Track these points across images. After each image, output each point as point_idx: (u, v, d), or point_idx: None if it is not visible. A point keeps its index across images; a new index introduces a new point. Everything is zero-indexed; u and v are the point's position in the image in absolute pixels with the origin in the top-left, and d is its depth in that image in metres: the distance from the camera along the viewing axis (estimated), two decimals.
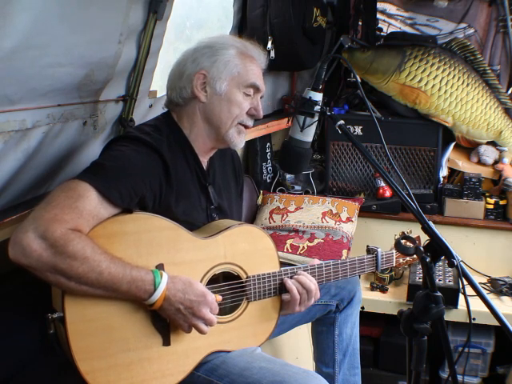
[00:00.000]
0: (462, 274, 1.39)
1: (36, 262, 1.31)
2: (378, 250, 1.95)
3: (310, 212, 2.80)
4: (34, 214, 1.35)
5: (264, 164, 3.17)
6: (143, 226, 1.49)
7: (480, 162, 3.04)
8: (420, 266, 2.40)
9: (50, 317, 1.40)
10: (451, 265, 1.36)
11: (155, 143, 1.58)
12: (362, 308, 2.57)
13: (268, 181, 3.20)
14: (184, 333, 1.53)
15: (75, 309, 1.39)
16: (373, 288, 2.75)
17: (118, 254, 1.42)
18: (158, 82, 2.18)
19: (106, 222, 1.43)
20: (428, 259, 1.38)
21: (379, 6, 3.47)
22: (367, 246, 1.99)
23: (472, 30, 3.39)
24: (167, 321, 1.51)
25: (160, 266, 1.49)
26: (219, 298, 1.56)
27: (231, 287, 1.65)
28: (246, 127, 1.74)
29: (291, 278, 1.73)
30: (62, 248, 1.32)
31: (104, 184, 1.42)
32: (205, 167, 1.77)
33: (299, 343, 2.55)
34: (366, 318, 2.63)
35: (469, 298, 1.47)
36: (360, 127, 2.99)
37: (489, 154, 3.02)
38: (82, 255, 1.34)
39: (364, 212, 2.92)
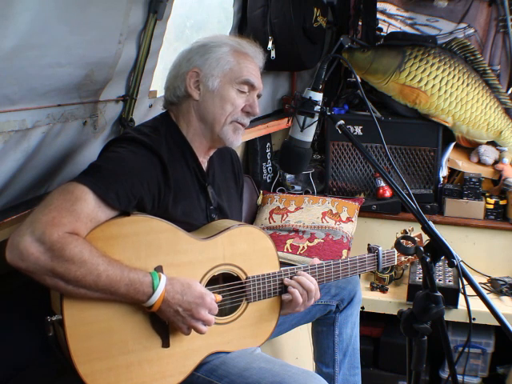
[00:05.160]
0: (462, 274, 1.39)
1: (33, 265, 1.30)
2: (379, 248, 1.95)
3: (310, 212, 2.80)
4: (32, 217, 1.34)
5: (264, 164, 3.16)
6: (142, 228, 1.48)
7: (480, 162, 3.04)
8: (420, 266, 2.40)
9: (49, 319, 1.39)
10: (451, 265, 1.36)
11: (153, 144, 1.57)
12: (362, 308, 2.57)
13: (268, 181, 3.20)
14: (183, 334, 1.52)
15: (74, 311, 1.39)
16: (373, 288, 2.75)
17: (117, 257, 1.41)
18: (158, 82, 2.18)
19: (104, 224, 1.42)
20: (428, 259, 1.38)
21: (379, 5, 3.47)
22: (368, 245, 1.98)
23: (472, 30, 3.39)
24: (166, 323, 1.50)
25: (159, 268, 1.48)
26: (219, 297, 1.55)
27: (230, 288, 1.64)
28: (243, 125, 1.73)
29: (291, 278, 1.72)
30: (59, 251, 1.31)
31: (101, 186, 1.41)
32: (204, 167, 1.76)
33: (299, 343, 2.55)
34: (366, 318, 2.63)
35: (469, 298, 1.48)
36: (360, 127, 2.98)
37: (489, 154, 3.02)
38: (80, 258, 1.33)
39: (364, 212, 2.92)
